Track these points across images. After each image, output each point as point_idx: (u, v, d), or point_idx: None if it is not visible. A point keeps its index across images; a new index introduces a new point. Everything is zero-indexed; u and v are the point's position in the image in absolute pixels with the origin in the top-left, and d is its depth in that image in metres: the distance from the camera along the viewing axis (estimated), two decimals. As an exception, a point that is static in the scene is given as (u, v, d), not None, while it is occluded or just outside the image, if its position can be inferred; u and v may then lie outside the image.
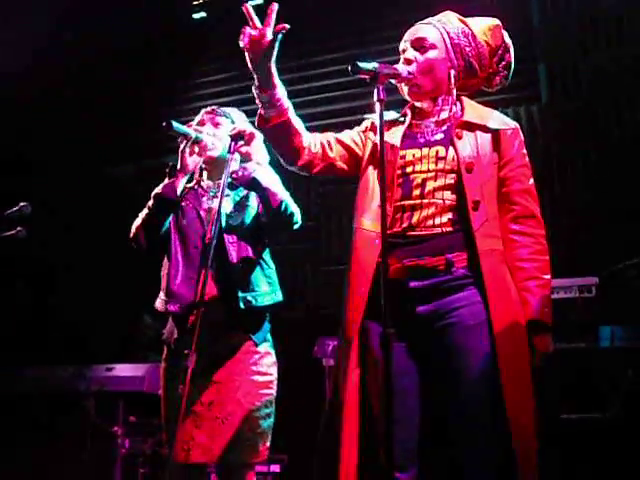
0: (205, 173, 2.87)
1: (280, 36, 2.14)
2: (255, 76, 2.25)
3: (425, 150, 2.26)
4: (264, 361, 2.60)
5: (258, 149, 2.57)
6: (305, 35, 5.73)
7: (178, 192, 2.67)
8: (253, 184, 2.53)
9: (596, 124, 4.57)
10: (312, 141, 2.35)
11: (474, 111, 2.32)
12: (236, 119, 2.90)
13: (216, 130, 2.83)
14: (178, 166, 2.69)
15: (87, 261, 5.79)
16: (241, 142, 2.51)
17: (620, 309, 3.78)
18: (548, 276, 2.20)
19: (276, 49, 2.18)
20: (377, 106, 2.02)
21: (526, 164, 2.29)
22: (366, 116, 2.20)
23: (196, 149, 2.71)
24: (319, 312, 5.07)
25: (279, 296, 2.71)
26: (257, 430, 2.51)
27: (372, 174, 2.29)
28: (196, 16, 6.01)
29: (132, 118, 5.93)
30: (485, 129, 2.26)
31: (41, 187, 5.57)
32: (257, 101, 2.30)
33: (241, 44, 2.16)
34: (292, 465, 4.24)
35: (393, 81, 2.26)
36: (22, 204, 3.24)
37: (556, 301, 3.64)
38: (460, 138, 2.23)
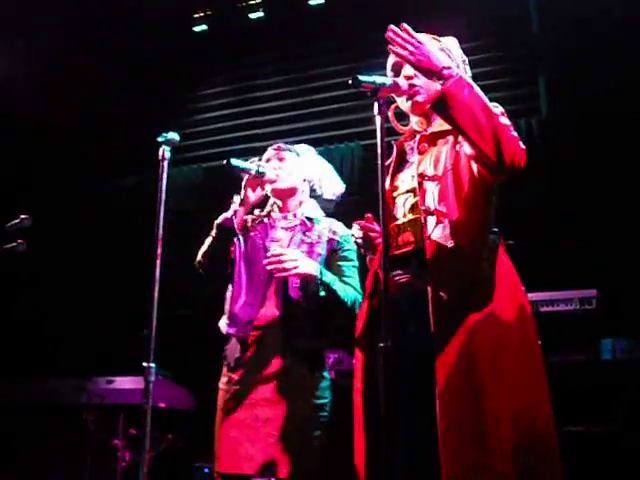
0: (276, 206, 3.01)
1: None
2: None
3: (406, 172, 2.34)
4: (320, 385, 2.70)
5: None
6: (306, 48, 5.77)
7: (235, 223, 2.81)
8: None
9: (597, 137, 4.57)
10: None
11: None
12: (302, 153, 3.02)
13: (281, 164, 2.95)
14: (240, 198, 2.85)
15: (88, 274, 5.80)
16: None
17: (621, 321, 3.78)
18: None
19: None
20: (377, 119, 2.02)
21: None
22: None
23: (259, 183, 2.87)
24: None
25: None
26: (308, 450, 2.60)
27: None
28: (197, 29, 6.05)
29: (131, 132, 5.94)
30: (448, 134, 2.27)
31: (39, 201, 5.57)
32: None
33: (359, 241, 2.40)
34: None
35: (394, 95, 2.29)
36: (23, 216, 3.23)
37: (557, 314, 3.65)
38: (422, 153, 2.28)
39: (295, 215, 2.93)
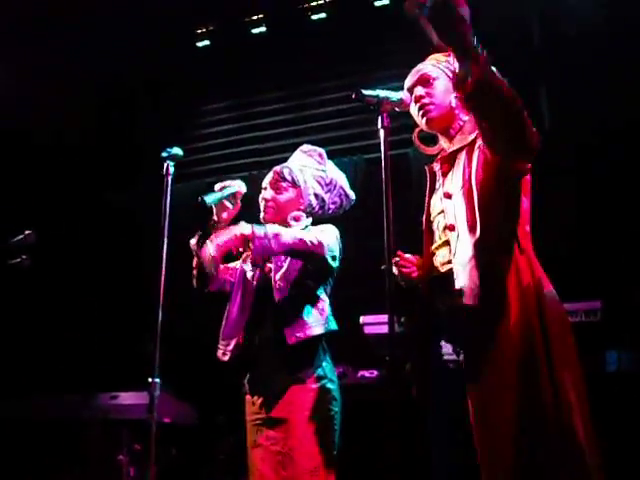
0: None
1: None
2: None
3: (436, 194, 2.40)
4: (320, 397, 2.67)
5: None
6: (308, 63, 5.78)
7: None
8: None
9: (599, 150, 4.56)
10: None
11: (469, 130, 2.35)
12: (300, 181, 2.96)
13: (278, 196, 2.94)
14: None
15: (91, 289, 5.80)
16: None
17: (626, 333, 3.76)
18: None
19: None
20: (381, 133, 2.03)
21: None
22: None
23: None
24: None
25: (330, 325, 2.76)
26: (316, 463, 2.58)
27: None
28: (200, 44, 6.07)
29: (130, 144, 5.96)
30: (463, 149, 2.31)
31: (42, 213, 5.58)
32: None
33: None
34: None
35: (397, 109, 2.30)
36: (27, 232, 3.22)
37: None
38: (446, 174, 2.33)
39: None
